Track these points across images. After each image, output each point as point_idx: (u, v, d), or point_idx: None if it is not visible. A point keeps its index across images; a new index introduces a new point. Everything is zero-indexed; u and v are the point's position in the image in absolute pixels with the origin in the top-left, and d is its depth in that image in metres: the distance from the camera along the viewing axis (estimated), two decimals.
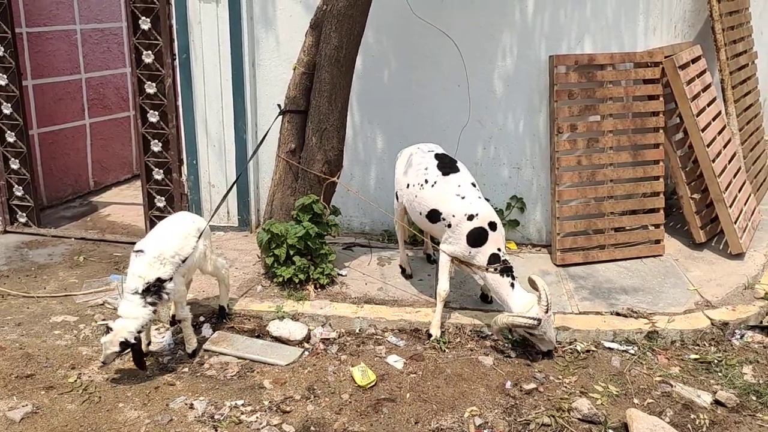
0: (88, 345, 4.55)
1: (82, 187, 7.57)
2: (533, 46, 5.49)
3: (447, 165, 4.69)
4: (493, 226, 4.39)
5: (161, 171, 6.11)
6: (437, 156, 4.77)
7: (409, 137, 5.65)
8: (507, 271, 4.35)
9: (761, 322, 4.86)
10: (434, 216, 4.56)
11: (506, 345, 4.54)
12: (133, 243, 6.16)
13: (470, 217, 4.38)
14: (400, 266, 5.34)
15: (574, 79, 5.42)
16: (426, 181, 4.64)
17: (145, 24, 5.74)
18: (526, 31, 5.47)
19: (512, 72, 5.57)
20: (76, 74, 7.24)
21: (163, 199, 6.18)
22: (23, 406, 3.83)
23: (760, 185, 6.87)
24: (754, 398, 4.10)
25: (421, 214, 4.67)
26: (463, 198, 4.47)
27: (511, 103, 5.63)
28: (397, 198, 5.01)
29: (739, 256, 5.55)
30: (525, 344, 4.50)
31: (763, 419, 3.92)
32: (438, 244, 4.70)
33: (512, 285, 4.34)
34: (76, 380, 4.11)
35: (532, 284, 4.36)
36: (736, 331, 4.75)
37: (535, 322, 4.17)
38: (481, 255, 4.36)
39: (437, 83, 5.69)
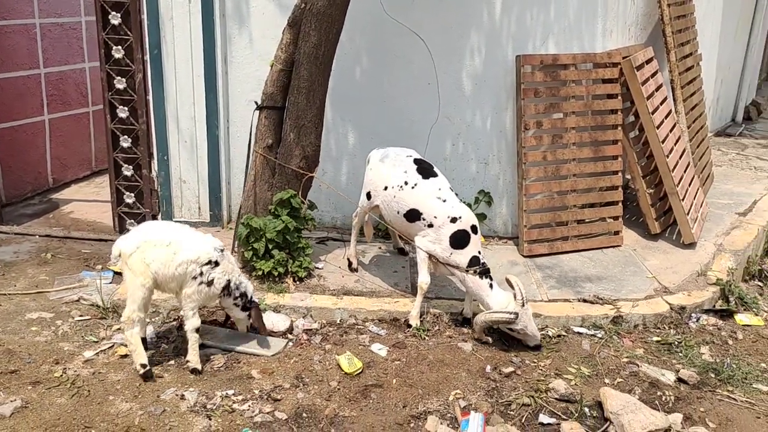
0: (69, 341, 4.52)
1: (42, 185, 7.41)
2: (501, 46, 5.71)
3: (426, 169, 4.86)
4: (474, 229, 4.58)
5: (131, 167, 6.07)
6: (416, 161, 4.93)
7: (381, 134, 5.81)
8: (485, 272, 4.54)
9: (714, 306, 5.22)
10: (413, 215, 4.71)
11: (483, 331, 4.74)
12: (102, 240, 6.21)
13: (453, 220, 4.55)
14: (348, 259, 5.44)
15: (540, 78, 5.67)
16: (406, 183, 4.78)
17: (115, 19, 5.70)
18: (494, 32, 5.69)
19: (480, 71, 5.78)
20: (35, 69, 7.08)
21: (133, 195, 6.14)
22: (11, 401, 3.79)
23: (705, 180, 7.30)
24: (712, 375, 4.42)
25: (398, 213, 4.81)
26: (444, 201, 4.64)
27: (479, 100, 5.85)
28: (369, 197, 5.13)
29: (692, 245, 5.92)
30: (500, 330, 4.71)
31: (722, 394, 4.24)
32: (407, 242, 4.86)
33: (491, 286, 4.54)
34: (62, 375, 4.09)
35: (509, 283, 4.56)
36: (693, 314, 5.09)
37: (513, 317, 4.38)
38: (462, 257, 4.53)
39: (408, 81, 5.85)
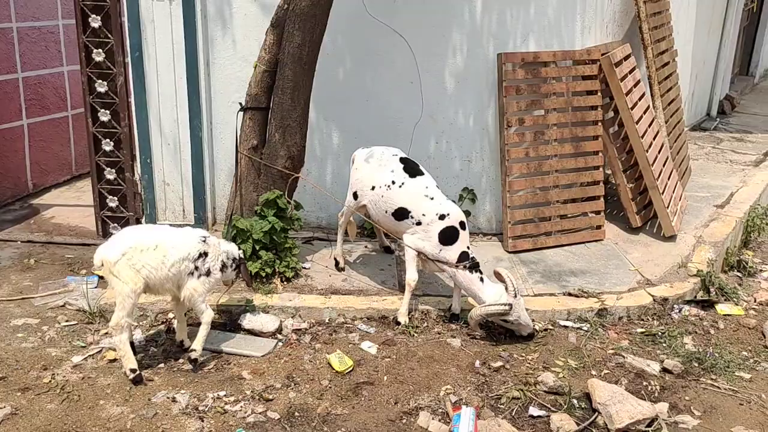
0: (56, 346, 4.49)
1: (21, 190, 7.33)
2: (482, 44, 5.77)
3: (412, 168, 4.90)
4: (463, 225, 4.64)
5: (113, 170, 6.03)
6: (402, 159, 4.97)
7: (365, 134, 5.83)
8: (475, 267, 4.60)
9: (695, 297, 5.33)
10: (401, 214, 4.75)
11: (478, 325, 4.79)
12: (85, 245, 6.16)
13: (442, 217, 4.60)
14: (335, 259, 5.46)
15: (521, 75, 5.74)
16: (393, 182, 4.82)
17: (95, 22, 5.65)
18: (475, 31, 5.75)
19: (462, 69, 5.83)
20: (12, 73, 7.00)
21: (116, 199, 6.10)
22: (1, 408, 3.76)
23: (683, 173, 7.43)
24: (696, 365, 4.51)
25: (386, 212, 4.84)
26: (432, 199, 4.69)
27: (462, 99, 5.90)
28: (355, 197, 5.15)
29: (672, 238, 6.02)
30: (488, 326, 4.77)
31: (705, 383, 4.33)
32: (393, 240, 4.89)
33: (481, 279, 4.60)
34: (51, 380, 4.07)
35: (498, 276, 4.62)
36: (675, 305, 5.19)
37: (507, 308, 4.44)
38: (452, 253, 4.59)
39: (391, 80, 5.89)
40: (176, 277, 4.12)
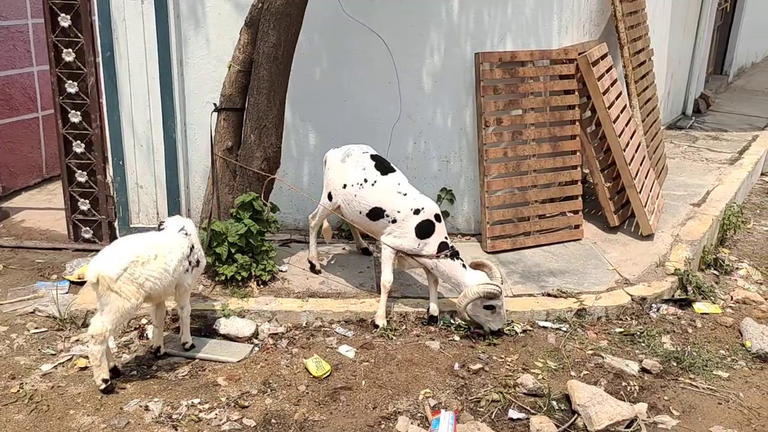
0: (25, 354, 4.37)
1: None
2: (459, 43, 5.73)
3: (384, 165, 4.86)
4: (438, 218, 4.62)
5: (84, 173, 5.89)
6: (373, 157, 4.92)
7: (342, 134, 5.76)
8: (456, 254, 4.59)
9: (673, 295, 5.34)
10: (377, 213, 4.70)
11: (449, 329, 4.75)
12: (56, 249, 6.02)
13: (416, 212, 4.58)
14: (309, 261, 5.39)
15: (498, 75, 5.71)
16: (366, 180, 4.77)
17: (64, 21, 5.52)
18: (453, 30, 5.71)
19: (440, 69, 5.79)
20: None
21: (87, 202, 5.97)
22: None
23: (660, 172, 7.46)
24: (674, 364, 4.51)
25: (361, 213, 4.79)
26: (405, 195, 4.66)
27: (440, 99, 5.86)
28: (330, 198, 5.09)
29: (650, 237, 6.03)
30: (468, 327, 4.73)
31: (684, 382, 4.33)
32: (372, 241, 4.84)
33: (464, 266, 4.58)
34: (19, 390, 3.95)
35: (478, 266, 4.61)
36: (653, 305, 5.19)
37: (499, 289, 4.46)
38: (431, 245, 4.58)
39: (368, 80, 5.82)
40: (176, 280, 4.12)
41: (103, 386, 3.92)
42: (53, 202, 7.08)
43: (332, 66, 5.81)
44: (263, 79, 4.88)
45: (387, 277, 4.67)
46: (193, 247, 4.26)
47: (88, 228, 6.03)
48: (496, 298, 4.48)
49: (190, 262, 4.22)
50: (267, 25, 4.77)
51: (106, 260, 3.86)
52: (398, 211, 4.61)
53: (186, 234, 4.24)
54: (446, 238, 4.63)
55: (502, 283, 4.52)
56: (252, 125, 5.00)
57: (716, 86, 13.04)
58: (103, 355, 3.92)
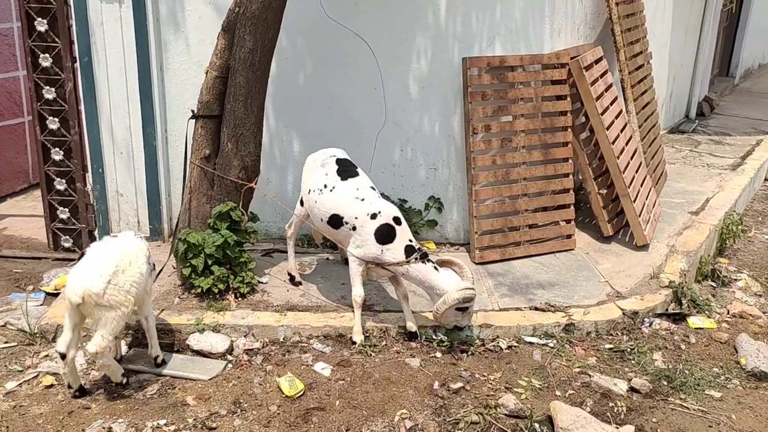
0: None
1: None
2: (447, 48, 5.56)
3: (346, 170, 4.69)
4: (397, 220, 4.43)
5: (63, 180, 5.77)
6: (338, 161, 4.76)
7: (327, 141, 5.58)
8: (425, 256, 4.41)
9: (667, 309, 5.14)
10: (336, 221, 4.55)
11: (431, 345, 4.58)
12: (35, 258, 5.90)
13: (373, 216, 4.40)
14: (288, 273, 5.24)
15: (487, 80, 5.53)
16: (325, 186, 4.63)
17: (41, 25, 5.39)
18: (440, 34, 5.54)
19: (427, 74, 5.62)
20: None
21: (67, 210, 5.84)
22: None
23: (658, 179, 7.26)
24: (665, 383, 4.32)
25: (322, 220, 4.64)
26: (362, 200, 4.49)
27: (427, 105, 5.69)
28: (302, 203, 4.96)
29: (644, 247, 5.84)
30: (451, 344, 4.55)
31: (674, 403, 4.14)
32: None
33: (436, 268, 4.40)
34: None
35: (447, 263, 4.48)
36: (645, 319, 5.00)
37: (475, 292, 4.34)
38: (395, 250, 4.38)
39: (353, 86, 5.66)
40: (147, 283, 4.04)
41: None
42: (38, 209, 6.92)
43: (316, 71, 5.65)
44: (240, 86, 4.73)
45: (357, 292, 4.50)
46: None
47: (68, 237, 5.91)
48: (471, 301, 4.33)
49: (153, 265, 4.21)
50: (243, 30, 4.62)
51: (88, 277, 3.75)
52: (355, 218, 4.44)
53: (139, 236, 4.19)
54: (411, 240, 4.43)
55: (473, 283, 4.38)
56: (229, 133, 4.85)
57: (721, 88, 12.80)
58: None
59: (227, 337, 4.53)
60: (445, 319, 4.47)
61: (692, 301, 5.22)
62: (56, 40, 5.43)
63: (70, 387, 3.95)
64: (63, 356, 3.85)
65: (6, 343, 4.55)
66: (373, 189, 4.62)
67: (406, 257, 4.35)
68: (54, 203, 5.84)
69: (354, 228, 4.44)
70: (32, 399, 3.95)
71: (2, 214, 6.95)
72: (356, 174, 4.66)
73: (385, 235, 4.37)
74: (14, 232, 6.51)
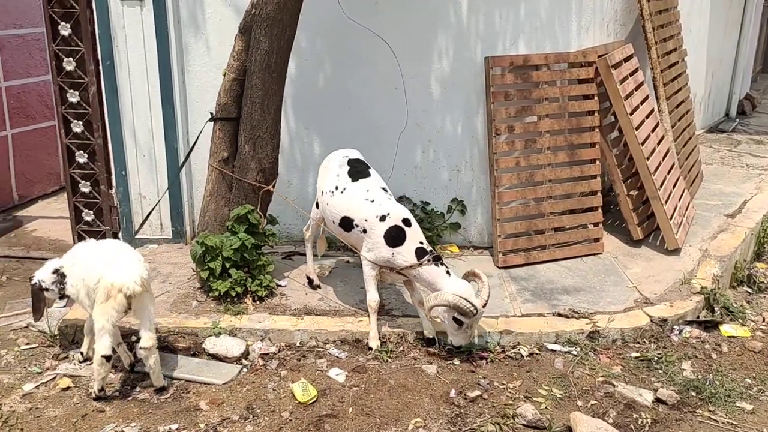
0: (10, 372, 4.28)
1: (6, 201, 7.18)
2: (469, 47, 5.44)
3: (358, 170, 4.61)
4: (407, 222, 4.32)
5: (88, 183, 5.82)
6: (350, 161, 4.69)
7: (347, 142, 5.51)
8: (438, 259, 4.28)
9: (698, 317, 4.94)
10: (347, 224, 4.47)
11: (450, 352, 4.47)
12: None
13: (382, 218, 4.30)
14: (307, 276, 5.17)
15: (510, 80, 5.40)
16: (336, 188, 4.56)
17: (65, 30, 5.45)
18: (461, 33, 5.42)
19: (449, 74, 5.51)
20: None
21: (92, 212, 5.90)
22: None
23: (693, 180, 7.01)
24: (693, 394, 4.14)
25: (334, 222, 4.58)
26: (372, 201, 4.40)
27: (449, 105, 5.58)
28: (317, 206, 4.90)
29: (676, 251, 5.63)
30: (469, 350, 4.44)
31: (702, 415, 3.96)
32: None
33: (448, 272, 4.26)
34: None
35: (472, 275, 4.32)
36: (675, 327, 4.81)
37: (474, 310, 4.10)
38: (406, 253, 4.26)
39: (374, 86, 5.59)
40: None
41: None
42: (66, 211, 7.02)
43: (336, 72, 5.59)
44: (256, 88, 4.70)
45: (372, 297, 4.42)
46: None
47: (93, 239, 5.94)
48: (466, 316, 4.13)
49: None
50: (259, 31, 4.58)
51: (127, 272, 3.86)
52: (365, 220, 4.35)
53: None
54: (422, 242, 4.30)
55: (484, 305, 4.17)
56: (246, 135, 4.82)
57: (764, 86, 12.38)
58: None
59: (243, 341, 4.49)
60: (442, 323, 4.32)
61: (725, 308, 5.01)
62: (79, 44, 5.48)
63: (101, 390, 3.95)
64: (109, 358, 3.89)
65: (27, 344, 4.60)
66: (385, 190, 4.53)
67: (418, 260, 4.24)
68: (79, 205, 5.90)
69: (364, 231, 4.37)
70: (48, 401, 3.98)
71: (33, 216, 7.08)
72: (368, 175, 4.57)
73: (395, 237, 4.27)
74: (43, 233, 6.62)
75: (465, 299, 4.09)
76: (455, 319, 4.19)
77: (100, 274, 3.86)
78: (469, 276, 4.38)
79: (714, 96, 9.91)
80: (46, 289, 4.19)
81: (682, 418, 3.94)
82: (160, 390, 4.04)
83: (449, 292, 4.12)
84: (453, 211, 5.80)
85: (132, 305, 3.87)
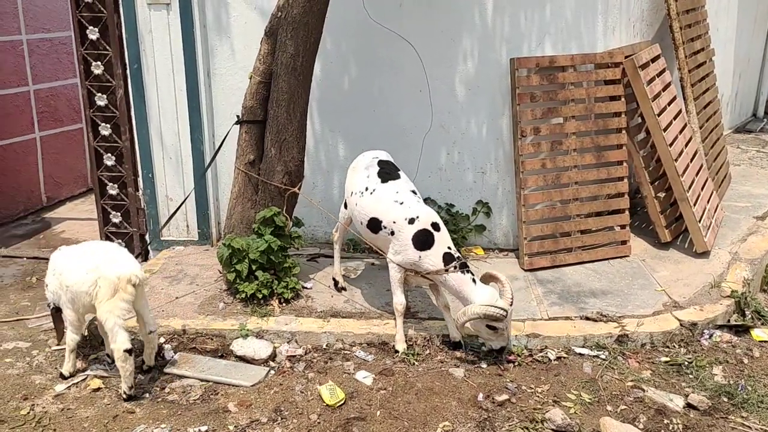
0: (42, 373, 4.34)
1: (35, 204, 7.29)
2: (494, 49, 5.42)
3: (387, 172, 4.60)
4: (436, 226, 4.29)
5: (116, 185, 5.89)
6: (380, 163, 4.68)
7: (372, 144, 5.51)
8: (465, 266, 4.25)
9: (729, 321, 4.87)
10: (375, 225, 4.46)
11: (477, 355, 4.45)
12: None
13: (411, 221, 4.28)
14: (333, 278, 5.17)
15: (536, 81, 5.36)
16: (366, 189, 4.55)
17: (93, 34, 5.52)
18: (487, 34, 5.40)
19: (474, 76, 5.49)
20: (23, 86, 6.96)
21: (119, 214, 5.96)
22: None
23: (722, 182, 6.92)
24: (725, 400, 4.08)
25: (362, 223, 4.57)
26: (401, 204, 4.38)
27: (474, 107, 5.56)
28: (345, 207, 4.91)
29: (705, 254, 5.56)
30: (497, 353, 4.42)
31: (735, 421, 3.90)
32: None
33: (474, 281, 4.23)
34: (28, 412, 3.90)
35: (491, 278, 4.29)
36: (705, 331, 4.74)
37: (504, 313, 4.08)
38: (433, 257, 4.23)
39: (399, 89, 5.58)
40: None
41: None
42: (94, 213, 7.06)
43: (361, 74, 5.59)
44: (282, 91, 4.71)
45: (398, 300, 4.41)
46: None
47: (120, 241, 6.02)
48: (498, 321, 4.12)
49: None
50: (285, 34, 4.60)
51: (131, 262, 4.05)
52: (394, 222, 4.32)
53: None
54: (450, 248, 4.27)
55: (511, 304, 4.15)
56: (272, 138, 4.84)
57: None
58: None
59: (270, 343, 4.51)
60: (476, 333, 4.32)
61: (756, 312, 4.93)
62: (107, 47, 5.55)
63: (131, 387, 3.99)
64: (131, 351, 3.96)
65: (58, 345, 4.65)
66: (414, 193, 4.51)
67: (445, 265, 4.22)
68: (107, 207, 5.96)
69: (392, 233, 4.35)
70: (79, 402, 4.02)
71: (61, 217, 7.18)
72: (397, 177, 4.56)
73: (423, 241, 4.25)
74: (71, 235, 6.71)
75: (493, 306, 4.07)
76: (489, 327, 4.18)
77: (97, 274, 3.92)
78: (489, 280, 4.35)
79: (741, 96, 9.78)
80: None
81: (714, 424, 3.88)
82: (150, 369, 4.27)
83: (476, 305, 4.11)
84: (478, 213, 5.78)
85: (137, 296, 4.01)
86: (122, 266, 3.96)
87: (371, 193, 4.50)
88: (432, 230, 4.27)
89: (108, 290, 3.88)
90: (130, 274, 3.90)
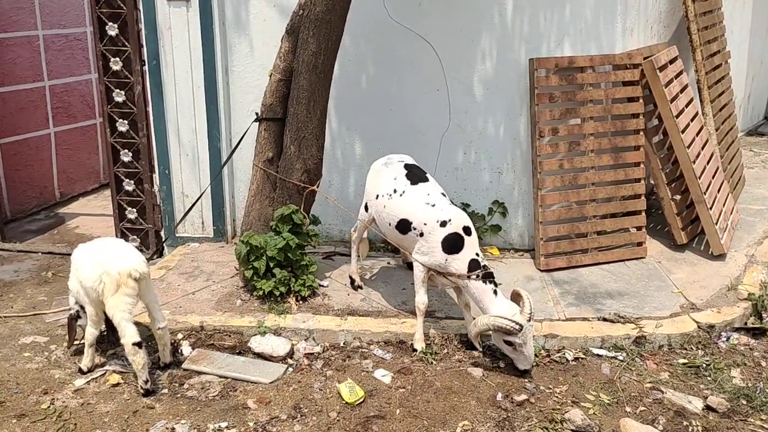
0: (60, 367, 4.34)
1: (48, 199, 7.30)
2: (513, 49, 5.41)
3: (416, 175, 4.60)
4: (467, 230, 4.28)
5: (132, 181, 5.90)
6: (407, 166, 4.68)
7: (389, 143, 5.54)
8: (489, 276, 4.22)
9: (746, 323, 4.86)
10: (404, 226, 4.45)
11: (494, 355, 4.45)
12: None
13: (443, 224, 4.27)
14: (350, 277, 5.18)
15: (555, 82, 5.36)
16: (395, 191, 4.54)
17: (112, 30, 5.53)
18: (506, 35, 5.40)
19: (492, 76, 5.49)
20: (39, 82, 6.97)
21: (135, 210, 5.98)
22: None
23: (736, 184, 6.91)
24: (744, 402, 4.07)
25: (390, 224, 4.56)
26: (433, 206, 4.37)
27: (492, 107, 5.56)
28: (366, 209, 4.91)
29: (721, 256, 5.55)
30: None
31: (755, 424, 3.89)
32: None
33: (495, 292, 4.21)
34: (49, 406, 3.91)
35: (517, 297, 4.26)
36: (722, 333, 4.73)
37: (518, 327, 4.04)
38: (460, 262, 4.23)
39: (416, 88, 5.58)
40: None
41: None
42: (108, 209, 7.12)
43: (379, 73, 5.60)
44: (303, 89, 4.72)
45: (420, 299, 4.41)
46: None
47: (135, 237, 6.04)
48: (511, 335, 4.07)
49: None
50: (306, 32, 4.60)
51: (138, 256, 4.07)
52: (425, 224, 4.32)
53: None
54: (477, 254, 4.27)
55: (529, 320, 4.09)
56: (292, 136, 4.85)
57: None
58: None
59: (288, 341, 4.52)
60: (501, 349, 4.29)
61: None
62: (126, 44, 5.55)
63: (146, 381, 4.01)
64: (140, 344, 3.97)
65: (76, 340, 4.66)
66: (444, 195, 4.50)
67: (469, 272, 4.21)
68: (123, 203, 5.97)
69: (422, 234, 4.35)
70: (99, 397, 4.03)
71: (74, 213, 7.19)
72: (426, 179, 4.57)
73: (453, 245, 4.23)
74: (85, 230, 6.72)
75: (504, 318, 4.04)
76: (506, 342, 4.16)
77: (101, 270, 3.94)
78: (515, 297, 4.29)
79: (753, 99, 9.77)
80: (79, 317, 4.33)
81: (733, 426, 3.88)
82: (167, 366, 4.27)
83: (487, 316, 4.10)
84: (494, 213, 5.78)
85: (141, 290, 4.03)
86: (123, 261, 3.96)
87: (401, 195, 4.50)
88: (463, 234, 4.25)
89: (111, 286, 3.91)
90: (130, 269, 3.92)
